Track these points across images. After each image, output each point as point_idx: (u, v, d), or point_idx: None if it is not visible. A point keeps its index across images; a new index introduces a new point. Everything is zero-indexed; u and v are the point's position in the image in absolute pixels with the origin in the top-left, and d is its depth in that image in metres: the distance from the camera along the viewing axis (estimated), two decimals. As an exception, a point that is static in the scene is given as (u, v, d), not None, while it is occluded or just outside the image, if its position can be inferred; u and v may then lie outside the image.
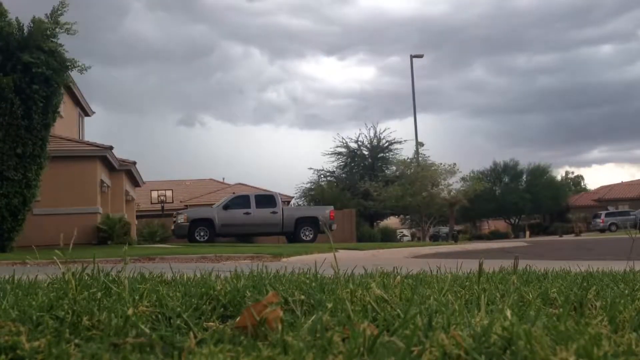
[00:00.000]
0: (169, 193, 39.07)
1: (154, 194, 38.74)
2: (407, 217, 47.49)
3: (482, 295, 2.01)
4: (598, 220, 47.16)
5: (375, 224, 42.84)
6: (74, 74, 15.45)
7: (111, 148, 20.76)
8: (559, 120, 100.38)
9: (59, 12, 14.00)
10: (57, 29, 13.97)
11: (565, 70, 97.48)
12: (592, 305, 2.02)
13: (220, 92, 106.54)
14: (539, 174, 55.85)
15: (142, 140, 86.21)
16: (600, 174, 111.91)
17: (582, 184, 69.59)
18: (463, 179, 39.16)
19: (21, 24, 13.80)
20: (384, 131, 47.30)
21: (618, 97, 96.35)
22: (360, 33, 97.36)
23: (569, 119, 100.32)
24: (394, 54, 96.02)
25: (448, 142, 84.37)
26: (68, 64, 14.32)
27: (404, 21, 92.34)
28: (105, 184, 21.42)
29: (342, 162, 47.82)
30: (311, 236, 23.06)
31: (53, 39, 13.93)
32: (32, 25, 13.72)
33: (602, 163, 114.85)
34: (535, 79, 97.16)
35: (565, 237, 34.33)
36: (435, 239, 45.96)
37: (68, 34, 14.16)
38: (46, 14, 13.97)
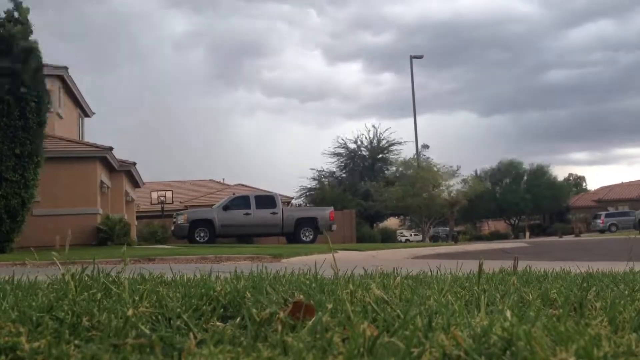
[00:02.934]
0: (168, 194, 39.03)
1: (154, 195, 38.71)
2: (407, 217, 47.47)
3: (482, 296, 2.01)
4: (598, 220, 47.12)
5: (375, 224, 42.85)
6: (74, 74, 15.48)
7: (111, 149, 20.76)
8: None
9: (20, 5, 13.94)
10: (27, 26, 13.85)
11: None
12: (592, 306, 2.02)
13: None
14: (540, 174, 55.88)
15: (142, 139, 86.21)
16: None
17: (583, 184, 69.68)
18: (464, 180, 39.18)
19: None
20: (385, 131, 47.38)
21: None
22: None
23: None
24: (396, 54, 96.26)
25: (446, 140, 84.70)
26: (40, 59, 14.22)
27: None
28: (105, 185, 21.42)
29: (342, 162, 47.86)
30: (311, 237, 23.05)
31: (27, 36, 13.85)
32: (4, 28, 13.63)
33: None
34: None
35: (565, 238, 34.32)
36: (435, 239, 45.97)
37: (26, 15, 14.04)
38: (12, 8, 13.87)
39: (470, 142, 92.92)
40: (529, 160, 59.56)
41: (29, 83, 13.71)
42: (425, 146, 39.81)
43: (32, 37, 14.01)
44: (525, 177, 56.38)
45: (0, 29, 13.64)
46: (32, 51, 13.82)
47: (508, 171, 56.60)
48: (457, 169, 36.76)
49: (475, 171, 50.03)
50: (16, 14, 13.83)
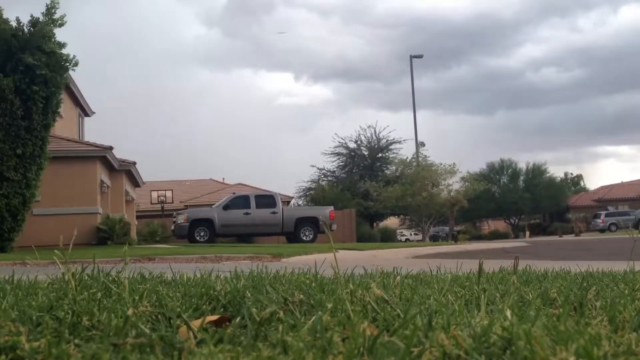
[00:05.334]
0: (168, 193, 39.06)
1: (154, 194, 38.73)
2: (407, 216, 47.41)
3: (482, 296, 2.01)
4: (598, 220, 47.17)
5: (375, 224, 42.81)
6: (74, 73, 15.52)
7: (111, 148, 20.76)
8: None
9: (53, 9, 14.01)
10: (53, 27, 13.99)
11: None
12: (592, 305, 2.02)
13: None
14: (539, 174, 55.92)
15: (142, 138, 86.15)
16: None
17: (582, 183, 69.71)
18: (463, 179, 39.13)
19: (22, 24, 13.82)
20: (383, 130, 47.31)
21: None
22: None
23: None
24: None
25: (442, 139, 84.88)
26: (67, 64, 14.33)
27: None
28: (105, 184, 21.42)
29: (342, 162, 47.81)
30: (311, 236, 23.04)
31: (54, 40, 13.95)
32: (31, 26, 13.74)
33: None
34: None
35: (565, 237, 34.34)
36: (435, 239, 45.96)
37: (60, 26, 14.19)
38: (42, 12, 13.99)
39: (460, 141, 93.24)
40: (514, 159, 59.68)
41: (46, 85, 13.79)
42: (422, 144, 39.76)
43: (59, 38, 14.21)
44: (522, 177, 56.40)
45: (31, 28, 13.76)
46: (54, 54, 13.91)
47: (502, 170, 56.66)
48: (454, 165, 36.70)
49: (469, 171, 50.19)
50: (43, 17, 13.94)
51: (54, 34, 14.02)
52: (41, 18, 13.90)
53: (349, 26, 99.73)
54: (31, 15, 13.89)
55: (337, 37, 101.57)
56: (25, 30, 13.79)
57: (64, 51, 14.31)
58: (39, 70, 13.49)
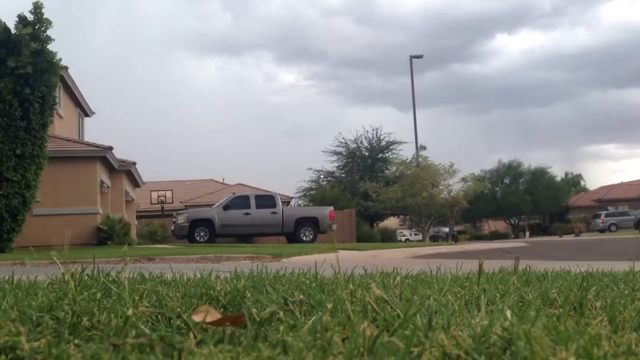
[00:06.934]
0: (168, 193, 39.04)
1: (154, 195, 38.72)
2: (407, 217, 47.37)
3: (482, 296, 2.01)
4: (598, 220, 47.19)
5: (375, 224, 42.80)
6: (73, 74, 15.54)
7: (111, 148, 20.76)
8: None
9: (39, 9, 14.01)
10: (41, 27, 14.00)
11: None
12: (592, 306, 2.02)
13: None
14: (540, 174, 55.92)
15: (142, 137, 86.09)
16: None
17: (582, 184, 69.72)
18: (463, 179, 39.12)
19: (7, 28, 13.84)
20: (381, 129, 47.30)
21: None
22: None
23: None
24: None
25: (449, 137, 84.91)
26: (56, 63, 14.36)
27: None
28: (105, 185, 21.42)
29: (342, 162, 47.79)
30: (311, 236, 23.05)
31: (41, 38, 13.94)
32: (16, 29, 13.74)
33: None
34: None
35: (565, 238, 34.33)
36: (435, 239, 45.94)
37: (48, 27, 14.23)
38: (30, 10, 13.98)
39: (461, 140, 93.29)
40: (506, 159, 59.69)
41: (39, 85, 13.80)
42: (423, 147, 39.80)
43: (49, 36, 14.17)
44: (523, 178, 56.35)
45: (14, 31, 13.75)
46: (41, 53, 13.90)
47: (507, 172, 56.63)
48: (452, 165, 36.68)
49: (473, 172, 50.26)
50: (30, 16, 13.92)
51: (43, 33, 14.02)
52: (29, 17, 13.89)
53: (358, 24, 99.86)
54: (17, 16, 13.90)
55: (342, 36, 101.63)
56: (10, 32, 13.79)
57: (53, 51, 14.34)
58: (23, 70, 13.52)
